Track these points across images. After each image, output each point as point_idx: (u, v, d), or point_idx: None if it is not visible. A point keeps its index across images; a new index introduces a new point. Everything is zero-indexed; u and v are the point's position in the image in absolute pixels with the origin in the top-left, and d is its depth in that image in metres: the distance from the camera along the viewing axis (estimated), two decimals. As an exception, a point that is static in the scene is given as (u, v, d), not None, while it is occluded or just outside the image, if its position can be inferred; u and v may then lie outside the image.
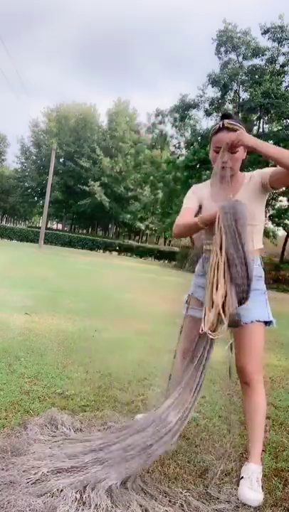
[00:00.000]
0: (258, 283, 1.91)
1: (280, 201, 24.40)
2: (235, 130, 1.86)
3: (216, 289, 1.70)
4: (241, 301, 1.71)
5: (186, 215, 1.98)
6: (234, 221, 1.68)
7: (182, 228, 1.95)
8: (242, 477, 1.77)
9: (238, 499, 1.67)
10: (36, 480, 1.57)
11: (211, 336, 1.72)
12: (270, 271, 19.89)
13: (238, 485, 1.75)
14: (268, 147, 1.79)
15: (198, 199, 2.02)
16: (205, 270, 1.90)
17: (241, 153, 1.91)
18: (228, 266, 1.69)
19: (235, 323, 1.67)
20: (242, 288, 1.69)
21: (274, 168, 1.84)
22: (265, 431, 2.36)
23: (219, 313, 1.67)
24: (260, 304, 1.91)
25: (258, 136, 25.39)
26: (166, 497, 1.60)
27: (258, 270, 1.92)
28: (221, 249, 1.71)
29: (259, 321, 1.89)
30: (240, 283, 1.69)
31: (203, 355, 1.79)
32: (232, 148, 1.83)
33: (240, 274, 1.68)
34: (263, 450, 1.98)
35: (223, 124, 1.90)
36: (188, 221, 1.92)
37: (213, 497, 1.66)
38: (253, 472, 1.78)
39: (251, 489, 1.70)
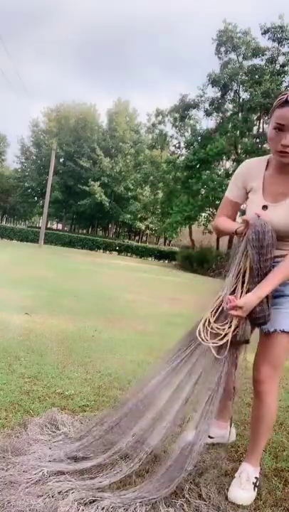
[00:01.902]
0: None
1: None
2: None
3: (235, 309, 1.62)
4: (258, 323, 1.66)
5: (224, 210, 1.85)
6: (260, 246, 1.60)
7: (222, 231, 1.84)
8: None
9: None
10: (37, 480, 1.57)
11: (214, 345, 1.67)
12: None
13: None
14: (273, 281, 1.60)
15: (244, 184, 1.79)
16: None
17: None
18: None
19: (246, 341, 1.69)
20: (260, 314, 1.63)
21: None
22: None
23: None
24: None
25: (258, 136, 25.49)
26: (166, 497, 1.60)
27: None
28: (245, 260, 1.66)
29: (284, 332, 1.69)
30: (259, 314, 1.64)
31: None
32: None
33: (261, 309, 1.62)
34: (262, 450, 1.98)
35: None
36: (227, 227, 1.79)
37: (214, 497, 1.66)
38: (243, 471, 1.76)
39: (240, 488, 1.69)
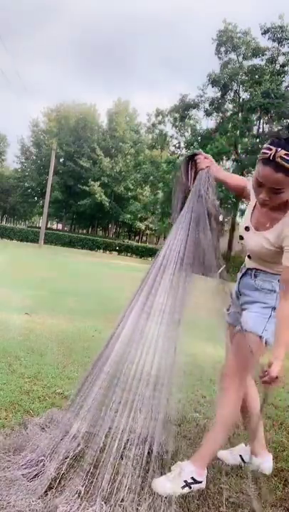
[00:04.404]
0: (266, 296, 1.77)
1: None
2: (287, 170, 1.50)
3: None
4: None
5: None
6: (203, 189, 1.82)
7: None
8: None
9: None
10: (35, 475, 1.57)
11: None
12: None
13: (236, 485, 1.76)
14: (282, 341, 1.61)
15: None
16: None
17: (288, 194, 1.56)
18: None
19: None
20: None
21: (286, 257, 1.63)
22: (265, 430, 2.36)
23: None
24: (259, 316, 1.74)
25: (258, 136, 25.50)
26: (166, 497, 1.60)
27: (266, 284, 1.77)
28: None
29: (251, 332, 1.71)
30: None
31: None
32: None
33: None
34: (211, 455, 1.91)
35: (274, 157, 1.49)
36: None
37: (214, 497, 1.66)
38: (178, 466, 1.71)
39: (166, 479, 1.65)
